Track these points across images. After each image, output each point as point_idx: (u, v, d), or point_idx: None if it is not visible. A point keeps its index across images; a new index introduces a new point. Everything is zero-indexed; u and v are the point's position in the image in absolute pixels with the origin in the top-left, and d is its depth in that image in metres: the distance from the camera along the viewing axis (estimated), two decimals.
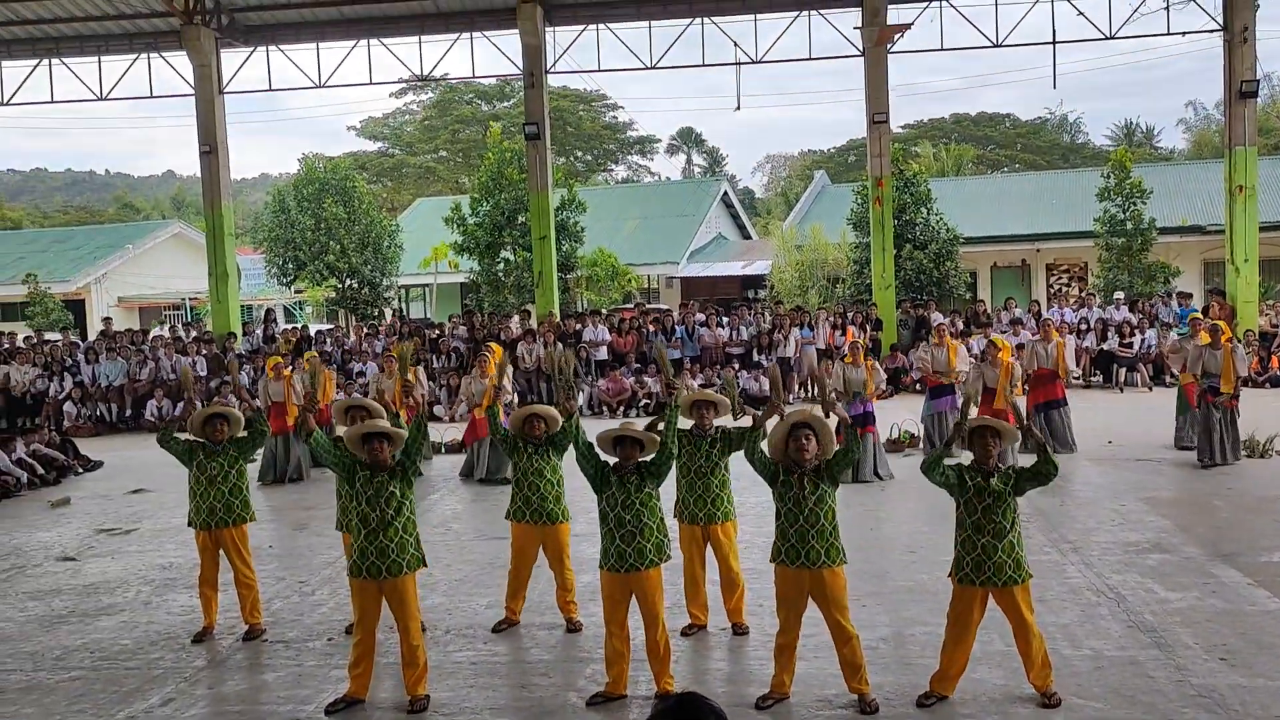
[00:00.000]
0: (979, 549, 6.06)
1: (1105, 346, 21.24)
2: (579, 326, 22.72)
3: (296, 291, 36.63)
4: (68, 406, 21.92)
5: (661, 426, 6.59)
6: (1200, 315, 17.84)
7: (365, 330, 24.71)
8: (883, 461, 13.05)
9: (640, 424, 7.03)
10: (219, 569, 7.86)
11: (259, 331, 25.12)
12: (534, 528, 7.65)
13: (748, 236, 45.12)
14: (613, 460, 6.49)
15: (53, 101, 26.40)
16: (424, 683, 6.47)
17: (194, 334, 25.05)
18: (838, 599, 6.12)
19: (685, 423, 7.27)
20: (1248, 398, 18.34)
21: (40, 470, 15.46)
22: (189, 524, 7.92)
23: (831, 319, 22.28)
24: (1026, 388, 14.24)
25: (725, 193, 44.70)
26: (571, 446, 6.82)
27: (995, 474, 6.10)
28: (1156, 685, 6.25)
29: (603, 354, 21.99)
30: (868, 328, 22.07)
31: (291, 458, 14.75)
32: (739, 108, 25.84)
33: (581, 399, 21.12)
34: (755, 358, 21.71)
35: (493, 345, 15.47)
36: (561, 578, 7.74)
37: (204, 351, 23.03)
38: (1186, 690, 6.16)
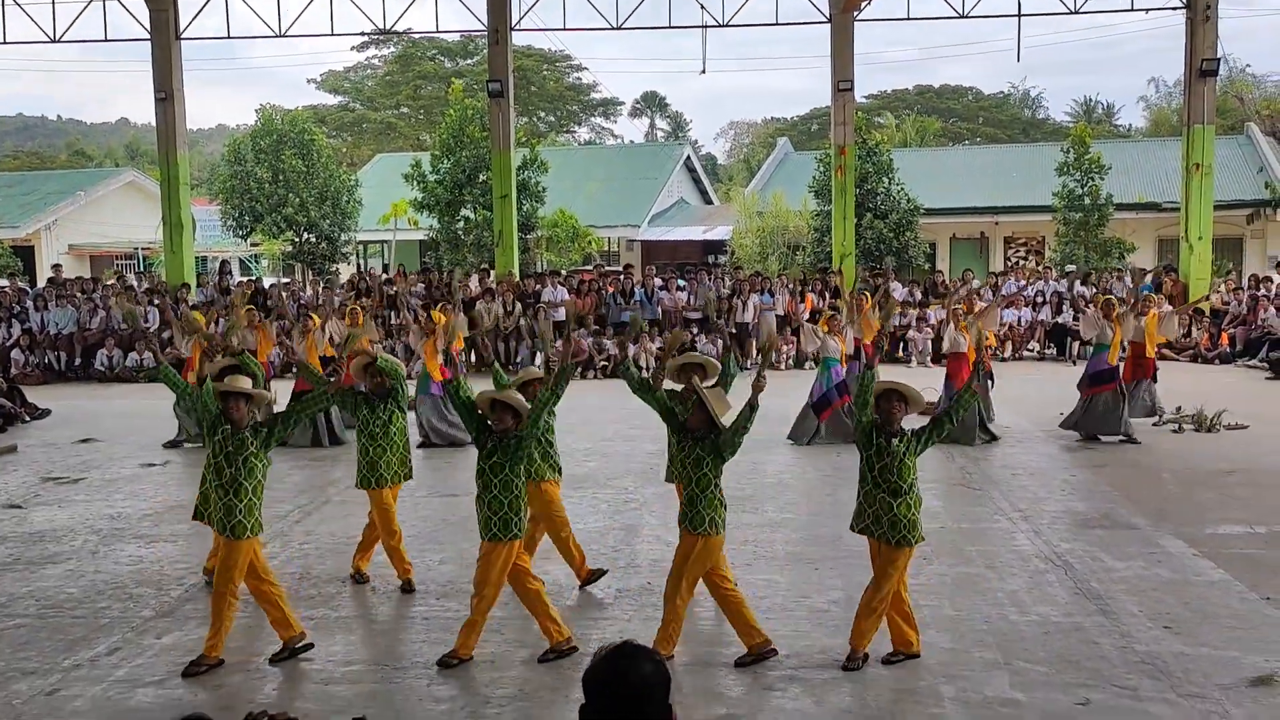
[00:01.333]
0: (877, 504, 6.18)
1: (1060, 320, 21.46)
2: (538, 287, 22.61)
3: (252, 244, 36.15)
4: (15, 354, 21.55)
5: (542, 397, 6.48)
6: (1153, 294, 18.08)
7: (323, 284, 24.45)
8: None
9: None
10: None
11: (213, 283, 24.79)
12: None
13: (709, 202, 45.06)
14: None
15: (4, 42, 25.74)
16: (285, 630, 6.47)
17: (146, 284, 24.67)
18: (695, 566, 6.21)
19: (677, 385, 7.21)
20: (1197, 373, 18.68)
21: None
22: None
23: (792, 286, 22.32)
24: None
25: (688, 157, 44.59)
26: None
27: (898, 436, 6.20)
28: (1101, 651, 6.35)
29: (561, 315, 21.90)
30: (826, 295, 22.15)
31: None
32: (704, 71, 25.77)
33: (539, 359, 21.06)
34: (713, 322, 21.70)
35: (434, 314, 15.32)
36: (556, 535, 7.65)
37: (156, 302, 22.69)
38: (1130, 656, 6.27)
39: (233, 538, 6.26)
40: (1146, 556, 8.20)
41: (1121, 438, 12.77)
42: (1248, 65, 53.53)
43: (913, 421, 6.61)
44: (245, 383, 6.56)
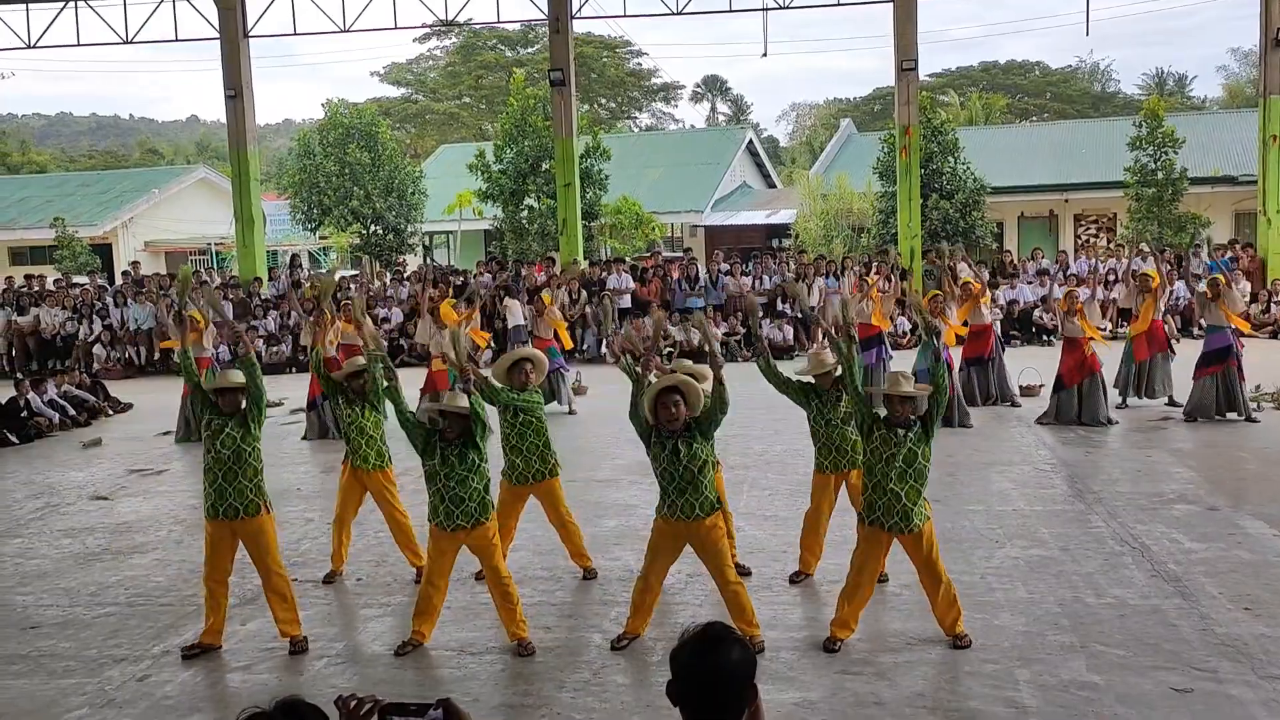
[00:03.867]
0: (887, 495, 6.11)
1: None
2: (603, 274, 22.70)
3: (321, 238, 36.67)
4: (97, 349, 22.13)
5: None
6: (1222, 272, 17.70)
7: (390, 276, 24.76)
8: None
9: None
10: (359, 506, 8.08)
11: (284, 277, 25.22)
12: (524, 488, 7.60)
13: (772, 185, 44.80)
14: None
15: (78, 45, 26.39)
16: (295, 624, 6.61)
17: (219, 279, 25.17)
18: (717, 548, 6.26)
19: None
20: (1277, 350, 18.23)
21: (71, 411, 15.67)
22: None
23: (859, 269, 22.16)
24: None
25: (750, 141, 44.34)
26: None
27: (906, 426, 6.17)
28: (1180, 634, 6.28)
29: (626, 302, 21.98)
30: (893, 278, 21.94)
31: None
32: (765, 54, 25.69)
33: (605, 347, 21.16)
34: (779, 307, 21.66)
35: (444, 308, 15.55)
36: (564, 528, 7.76)
37: (230, 296, 23.14)
38: (1210, 639, 6.19)
39: (251, 516, 6.49)
40: (1226, 538, 8.06)
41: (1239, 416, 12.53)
42: None
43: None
44: (236, 377, 6.74)
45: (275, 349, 21.42)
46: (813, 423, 7.37)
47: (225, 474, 6.47)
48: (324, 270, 20.24)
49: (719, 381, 6.32)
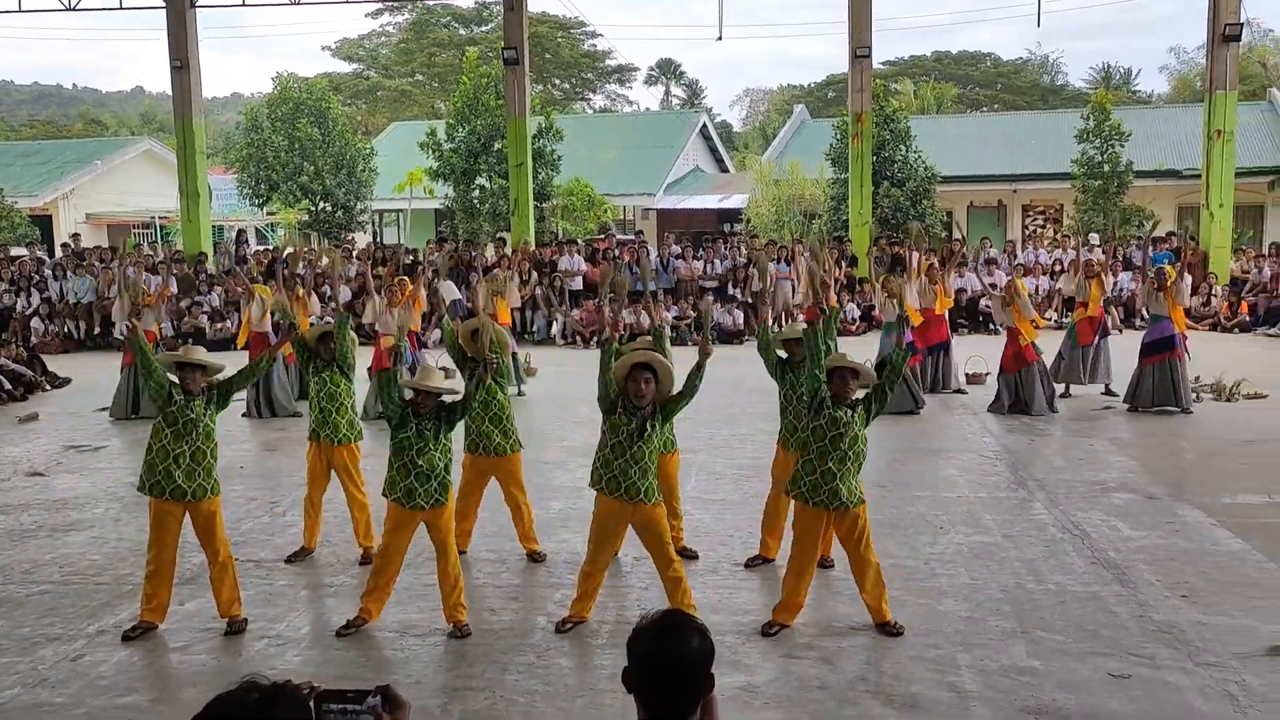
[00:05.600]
0: (817, 472, 6.15)
1: None
2: (555, 256, 22.59)
3: (269, 213, 36.16)
4: (35, 323, 21.68)
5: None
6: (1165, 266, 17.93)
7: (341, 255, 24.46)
8: None
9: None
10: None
11: (230, 251, 24.86)
12: (485, 460, 7.61)
13: (725, 170, 44.81)
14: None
15: (20, 10, 25.72)
16: (237, 604, 6.54)
17: (163, 254, 24.75)
18: (659, 531, 6.25)
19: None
20: (1217, 342, 18.57)
21: (7, 386, 15.33)
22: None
23: (808, 255, 22.22)
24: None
25: (703, 125, 44.31)
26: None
27: (852, 407, 6.23)
28: (1119, 620, 6.36)
29: (577, 284, 21.91)
30: (843, 264, 22.07)
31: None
32: (720, 38, 25.62)
33: (555, 328, 21.09)
34: (730, 291, 21.69)
35: (404, 279, 15.44)
36: (518, 509, 7.72)
37: (175, 271, 22.78)
38: (1148, 626, 6.28)
39: (197, 499, 6.39)
40: (1164, 526, 8.19)
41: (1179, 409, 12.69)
42: (1270, 30, 52.88)
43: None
44: (200, 353, 6.67)
45: (220, 325, 21.10)
46: (782, 398, 7.38)
47: (179, 455, 6.34)
48: (331, 245, 20.04)
49: (698, 367, 6.29)
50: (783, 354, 7.48)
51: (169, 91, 25.42)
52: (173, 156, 29.48)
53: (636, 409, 6.14)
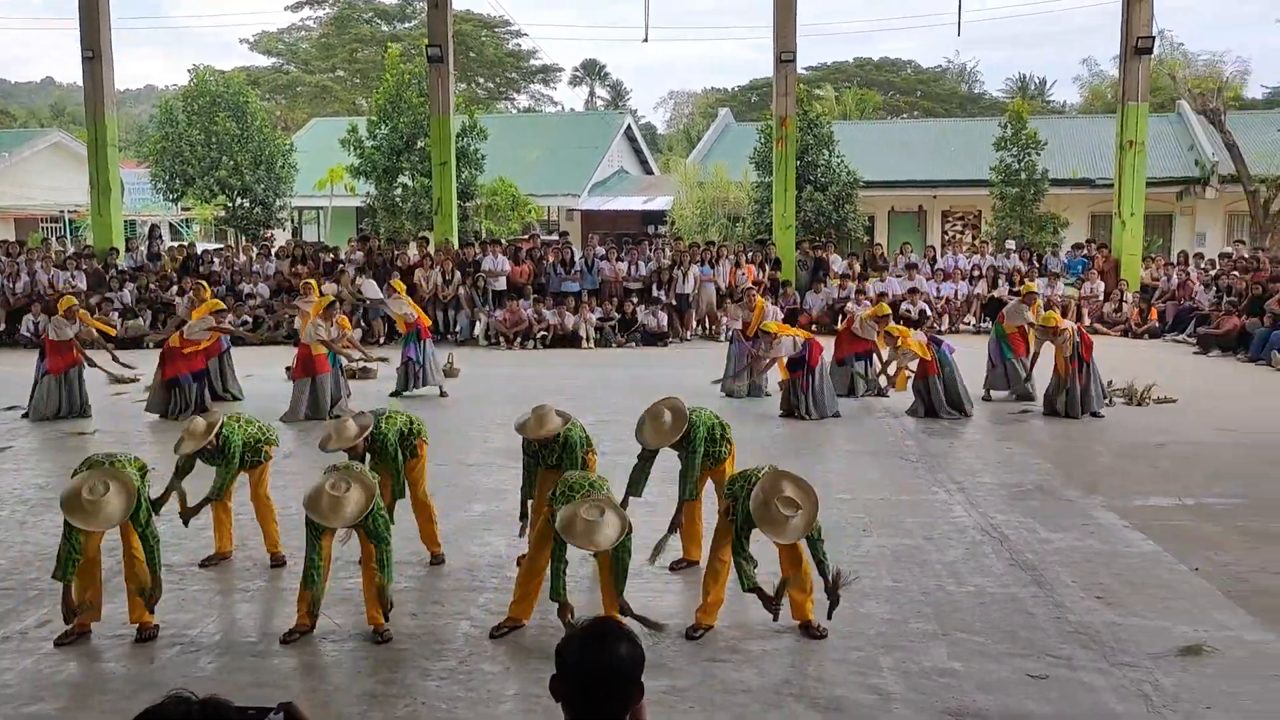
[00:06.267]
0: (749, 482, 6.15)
1: (995, 294, 21.71)
2: (478, 255, 22.41)
3: (183, 209, 35.36)
4: None
5: None
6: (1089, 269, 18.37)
7: (256, 250, 24.02)
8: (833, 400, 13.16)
9: None
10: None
11: (143, 248, 24.25)
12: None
13: (650, 172, 44.91)
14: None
15: None
16: (149, 612, 6.36)
17: (73, 248, 24.06)
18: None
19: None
20: (1128, 347, 19.02)
21: None
22: None
23: (733, 257, 22.34)
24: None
25: (628, 126, 44.36)
26: None
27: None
28: (1036, 621, 6.46)
29: (501, 284, 21.75)
30: (766, 267, 22.23)
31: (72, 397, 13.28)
32: (646, 39, 25.64)
33: (478, 328, 20.91)
34: (654, 293, 21.70)
35: (313, 284, 15.38)
36: (424, 510, 7.67)
37: (84, 266, 22.16)
38: (1064, 627, 6.38)
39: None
40: (1080, 528, 8.34)
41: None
42: (1181, 43, 54.43)
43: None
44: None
45: (132, 322, 20.56)
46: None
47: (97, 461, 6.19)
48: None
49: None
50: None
51: (80, 83, 24.72)
52: (83, 149, 28.65)
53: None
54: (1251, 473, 10.21)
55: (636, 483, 7.25)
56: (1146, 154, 23.12)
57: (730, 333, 15.91)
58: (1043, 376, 13.52)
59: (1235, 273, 20.36)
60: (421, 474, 7.66)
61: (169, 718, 2.08)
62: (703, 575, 6.46)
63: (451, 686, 5.66)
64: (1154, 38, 22.60)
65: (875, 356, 14.24)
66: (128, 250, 24.04)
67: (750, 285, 18.73)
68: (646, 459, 7.28)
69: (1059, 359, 12.94)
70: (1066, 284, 21.89)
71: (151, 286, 21.90)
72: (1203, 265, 22.55)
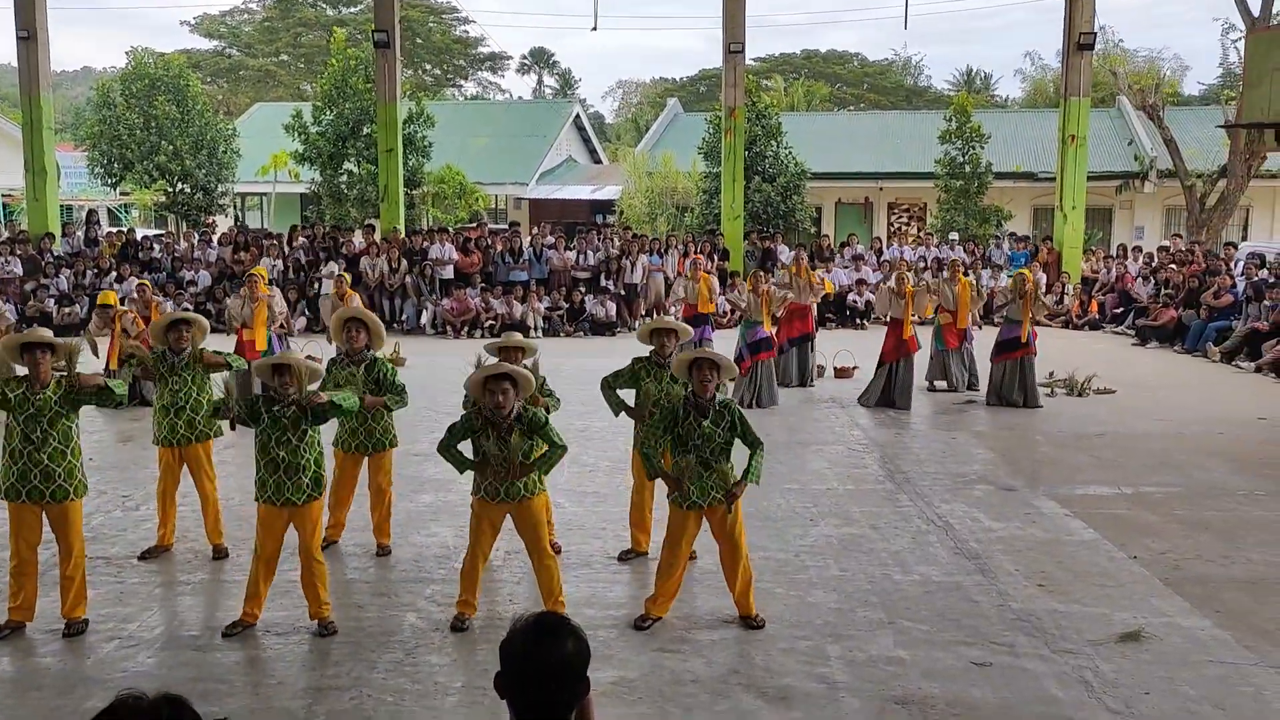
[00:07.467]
0: (689, 470, 6.19)
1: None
2: (425, 244, 22.23)
3: (122, 194, 34.68)
4: None
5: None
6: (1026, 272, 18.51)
7: (198, 237, 23.63)
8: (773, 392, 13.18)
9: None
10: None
11: (80, 234, 23.77)
12: (360, 456, 7.62)
13: (598, 161, 44.75)
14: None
15: None
16: (82, 606, 6.25)
17: (7, 234, 23.53)
18: (537, 524, 6.21)
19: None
20: (1069, 339, 19.31)
21: None
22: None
23: (681, 248, 22.36)
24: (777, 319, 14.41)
25: (577, 115, 44.18)
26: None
27: (710, 414, 6.16)
28: (980, 609, 6.54)
29: (448, 273, 21.59)
30: (714, 257, 22.26)
31: None
32: (595, 28, 25.54)
33: (425, 317, 20.75)
34: (603, 282, 21.66)
35: (257, 270, 15.12)
36: (381, 498, 7.63)
37: (19, 252, 21.67)
38: (1007, 614, 6.46)
39: (57, 500, 6.11)
40: (1022, 517, 8.46)
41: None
42: (1121, 39, 55.32)
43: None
44: (45, 333, 6.32)
45: (68, 309, 20.16)
46: (638, 400, 7.37)
47: (31, 454, 6.01)
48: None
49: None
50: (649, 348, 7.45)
51: (14, 63, 24.16)
52: (17, 131, 27.97)
53: (501, 421, 6.02)
54: (1188, 462, 10.41)
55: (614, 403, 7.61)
56: (1088, 148, 23.45)
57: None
58: (983, 369, 13.68)
59: (1172, 266, 20.73)
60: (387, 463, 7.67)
61: (134, 713, 2.03)
62: (657, 566, 6.44)
63: (397, 678, 5.62)
64: (1095, 34, 22.90)
65: (810, 343, 14.48)
66: (64, 236, 23.55)
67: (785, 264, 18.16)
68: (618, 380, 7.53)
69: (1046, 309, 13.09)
70: (1009, 275, 22.13)
71: (88, 273, 21.48)
72: (1141, 259, 22.94)
